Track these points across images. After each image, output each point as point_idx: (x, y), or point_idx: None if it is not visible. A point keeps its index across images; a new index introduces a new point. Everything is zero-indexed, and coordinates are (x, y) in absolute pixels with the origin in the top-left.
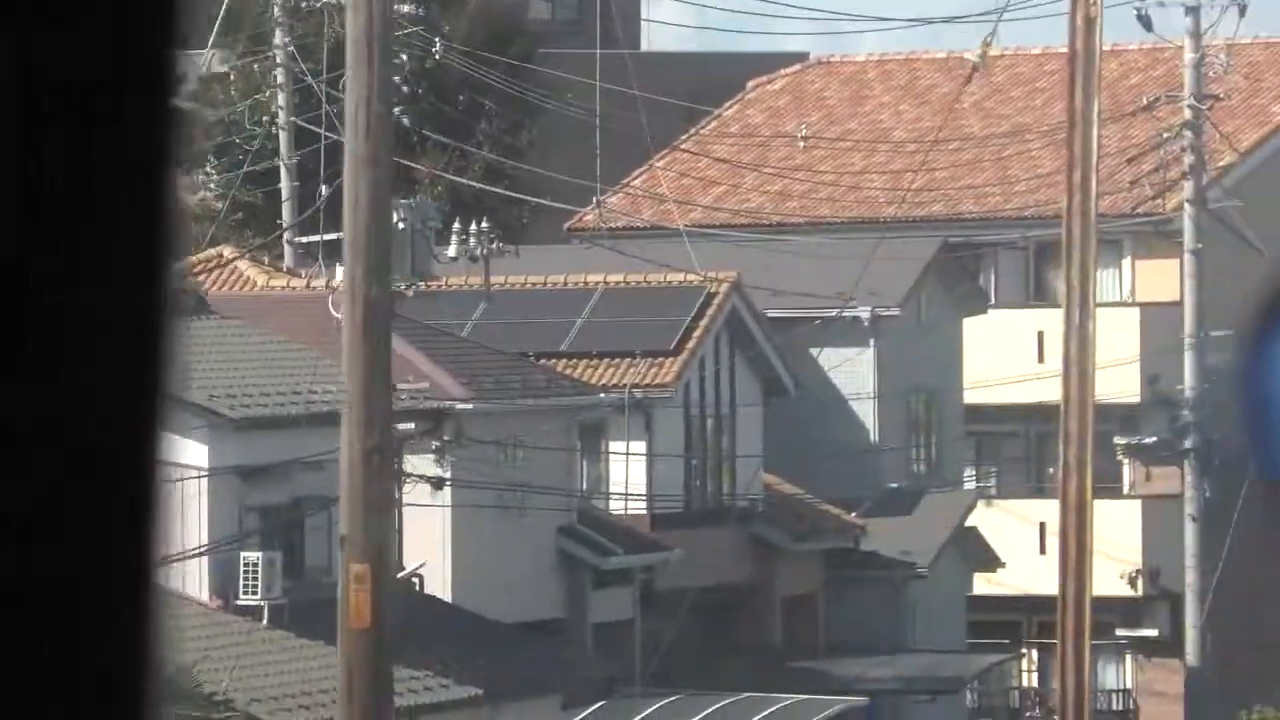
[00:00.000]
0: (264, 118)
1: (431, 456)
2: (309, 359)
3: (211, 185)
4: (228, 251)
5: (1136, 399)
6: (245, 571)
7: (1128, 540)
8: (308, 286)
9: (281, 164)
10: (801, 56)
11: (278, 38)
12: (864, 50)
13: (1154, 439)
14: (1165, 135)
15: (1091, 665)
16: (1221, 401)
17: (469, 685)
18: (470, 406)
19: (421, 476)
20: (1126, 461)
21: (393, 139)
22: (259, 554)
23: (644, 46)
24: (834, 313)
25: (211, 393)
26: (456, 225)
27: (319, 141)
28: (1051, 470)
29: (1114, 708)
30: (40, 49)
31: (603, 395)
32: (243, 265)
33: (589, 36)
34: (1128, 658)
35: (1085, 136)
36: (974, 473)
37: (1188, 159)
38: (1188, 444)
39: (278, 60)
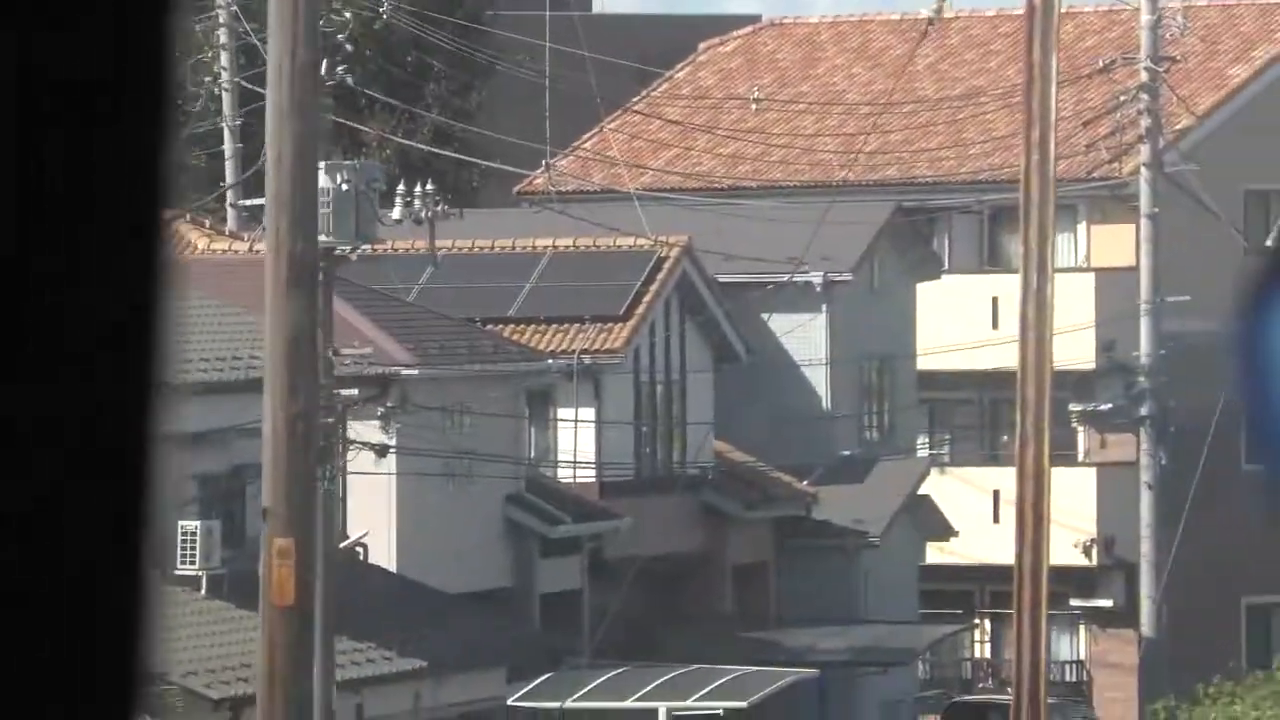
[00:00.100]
0: (206, 78)
1: (376, 423)
2: (249, 324)
3: None
4: (168, 214)
5: (1091, 365)
6: (183, 540)
7: (1082, 509)
8: (251, 250)
9: (224, 125)
10: (754, 18)
11: None
12: (817, 12)
13: (1109, 406)
14: (1121, 98)
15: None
16: (1177, 369)
17: (412, 657)
18: (416, 372)
19: (365, 444)
20: (1081, 429)
21: (319, 90)
22: (197, 523)
23: (595, 8)
24: (786, 278)
25: None
26: (401, 187)
27: (262, 102)
28: (1006, 438)
29: (1068, 679)
30: (40, 49)
31: (551, 361)
32: (184, 228)
33: None
34: (1082, 628)
35: (1043, 93)
36: (927, 440)
37: (1144, 122)
38: (1143, 411)
39: (220, 20)
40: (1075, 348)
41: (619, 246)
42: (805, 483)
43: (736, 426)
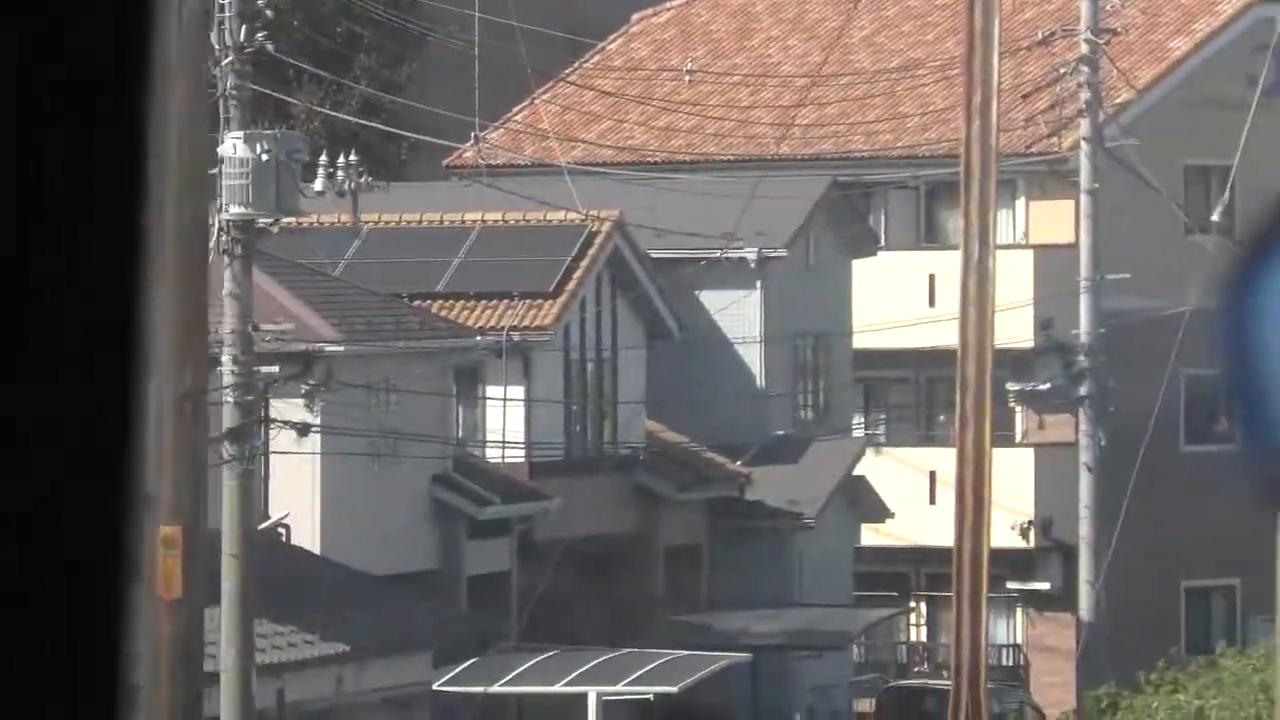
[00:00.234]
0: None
1: (300, 401)
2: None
3: None
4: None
5: (1029, 344)
6: None
7: (1020, 490)
8: None
9: None
10: None
11: None
12: None
13: (1047, 386)
14: (1061, 71)
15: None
16: (1114, 350)
17: (335, 641)
18: (341, 349)
19: (286, 422)
20: (1019, 409)
21: (208, 44)
22: None
23: None
24: (719, 253)
25: None
26: (324, 159)
27: None
28: (943, 418)
29: (1004, 663)
30: (40, 49)
31: (479, 338)
32: None
33: None
34: (1018, 611)
35: (985, 57)
36: (863, 420)
37: (1084, 96)
38: (1082, 391)
39: None
40: (1013, 326)
41: (549, 221)
42: (739, 463)
43: (669, 405)
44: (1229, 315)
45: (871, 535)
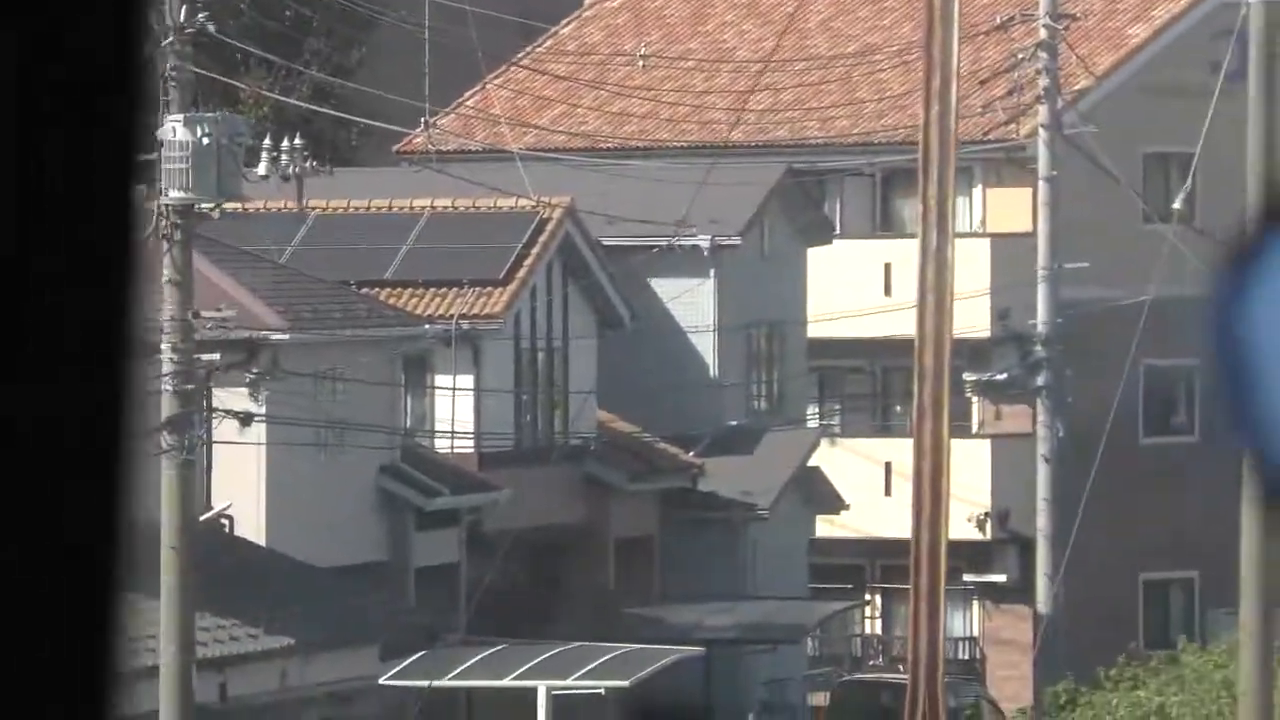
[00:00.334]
0: None
1: (244, 390)
2: None
3: None
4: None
5: (986, 334)
6: None
7: (976, 481)
8: None
9: None
10: None
11: None
12: None
13: (1005, 376)
14: (1019, 57)
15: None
16: (1072, 340)
17: (280, 634)
18: (286, 337)
19: (228, 411)
20: (976, 399)
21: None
22: None
23: None
24: (671, 240)
25: None
26: (268, 142)
27: None
28: (899, 408)
29: (960, 656)
30: (40, 49)
31: (428, 326)
32: None
33: None
34: (975, 604)
35: (945, 39)
36: (817, 410)
37: (1042, 82)
38: (1040, 381)
39: None
40: (970, 315)
41: (500, 208)
42: (691, 454)
43: (620, 395)
44: (1226, 313)
45: (826, 527)
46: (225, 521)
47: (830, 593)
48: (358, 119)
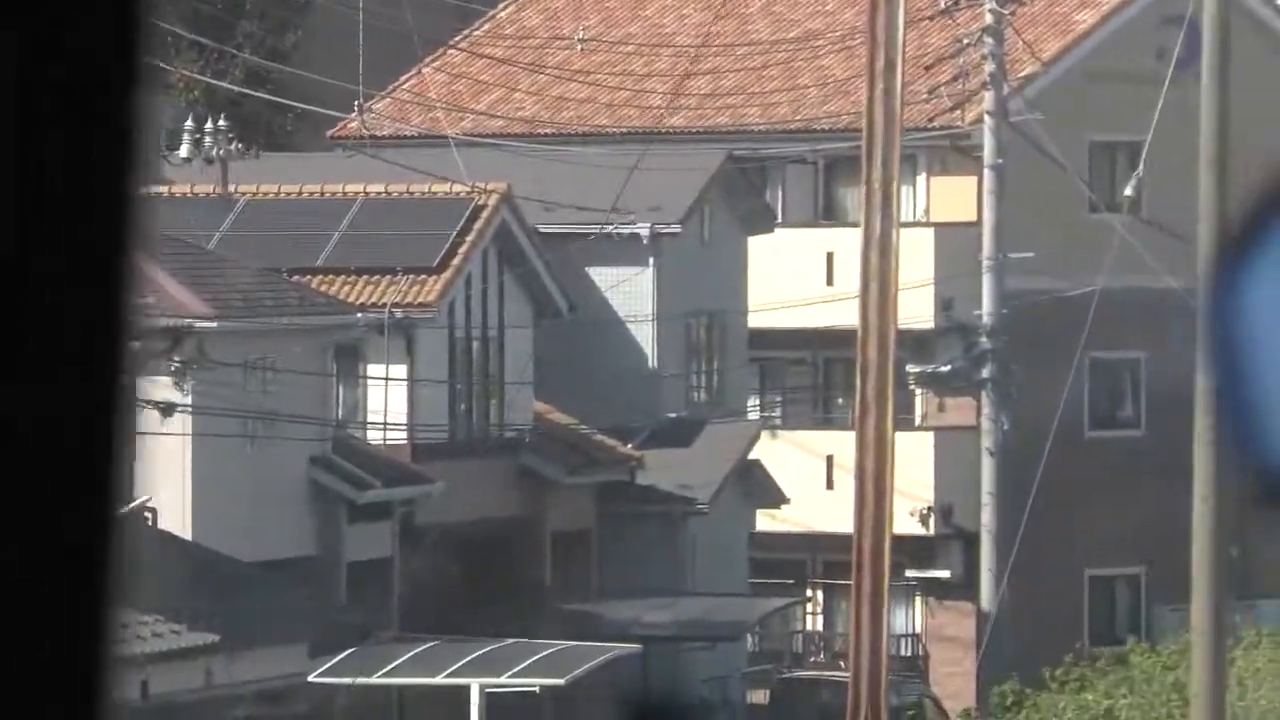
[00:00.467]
0: None
1: (169, 379)
2: None
3: None
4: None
5: (930, 325)
6: None
7: (919, 475)
8: None
9: None
10: None
11: None
12: None
13: (949, 367)
14: (965, 42)
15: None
16: (1017, 331)
17: (204, 631)
18: (214, 325)
19: (148, 401)
20: (919, 391)
21: None
22: None
23: None
24: (609, 228)
25: None
26: (189, 124)
27: None
28: (841, 400)
29: (902, 653)
30: (40, 49)
31: (361, 314)
32: None
33: None
34: (917, 600)
35: (890, 16)
36: (758, 402)
37: (988, 68)
38: (985, 373)
39: None
40: (914, 306)
41: (434, 193)
42: (630, 446)
43: (557, 386)
44: (1223, 310)
45: (767, 521)
46: (149, 514)
47: (771, 588)
48: (292, 103)
